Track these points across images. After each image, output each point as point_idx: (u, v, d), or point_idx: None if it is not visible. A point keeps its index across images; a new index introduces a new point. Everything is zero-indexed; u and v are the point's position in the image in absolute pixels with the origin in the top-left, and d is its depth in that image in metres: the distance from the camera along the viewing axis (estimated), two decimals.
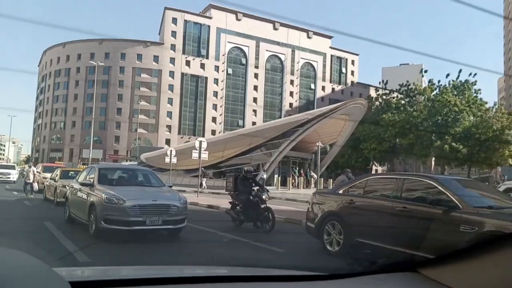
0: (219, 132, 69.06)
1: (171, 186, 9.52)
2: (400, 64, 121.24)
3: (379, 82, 57.59)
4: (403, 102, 39.01)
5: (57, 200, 13.68)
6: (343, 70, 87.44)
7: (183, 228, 8.17)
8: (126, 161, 46.35)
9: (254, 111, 76.21)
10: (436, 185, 5.97)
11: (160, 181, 9.62)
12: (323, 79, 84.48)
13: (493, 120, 30.49)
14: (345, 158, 35.79)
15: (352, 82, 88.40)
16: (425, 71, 51.75)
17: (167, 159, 19.90)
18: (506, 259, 0.83)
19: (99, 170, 9.17)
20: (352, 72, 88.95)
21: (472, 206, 5.60)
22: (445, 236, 5.41)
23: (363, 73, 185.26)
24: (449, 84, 36.18)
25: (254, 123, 69.08)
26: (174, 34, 70.91)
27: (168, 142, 65.18)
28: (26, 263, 0.89)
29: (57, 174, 15.50)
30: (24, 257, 0.92)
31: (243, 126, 67.56)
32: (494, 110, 34.20)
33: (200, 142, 16.85)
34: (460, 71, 36.62)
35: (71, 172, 14.78)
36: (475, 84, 34.81)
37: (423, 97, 35.90)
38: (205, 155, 16.17)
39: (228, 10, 74.09)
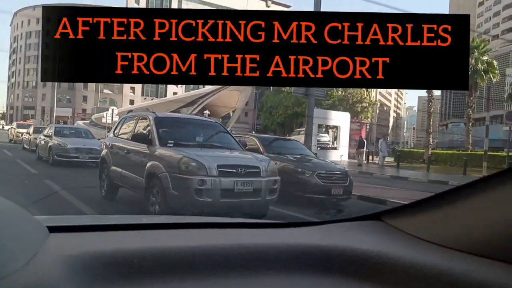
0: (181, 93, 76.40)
1: (99, 139, 16.00)
2: None
3: None
4: None
5: (31, 148, 18.60)
6: None
7: None
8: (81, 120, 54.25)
9: None
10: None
11: (92, 136, 15.98)
12: None
13: (352, 95, 40.70)
14: (265, 122, 45.35)
15: None
16: None
17: (103, 119, 27.93)
18: (466, 210, 0.88)
19: (54, 128, 15.89)
20: None
21: (268, 153, 8.38)
22: None
23: None
24: None
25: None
26: (137, 1, 76.28)
27: (132, 102, 72.08)
28: (2, 207, 0.92)
29: (30, 131, 21.30)
30: (1, 201, 0.94)
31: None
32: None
33: (112, 109, 25.03)
34: None
35: (40, 129, 20.12)
36: None
37: None
38: (116, 119, 24.03)
39: None
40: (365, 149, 21.45)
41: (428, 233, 0.93)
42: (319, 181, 8.01)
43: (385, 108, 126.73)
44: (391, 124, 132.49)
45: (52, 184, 9.04)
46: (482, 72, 27.41)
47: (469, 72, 27.60)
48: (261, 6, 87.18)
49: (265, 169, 5.94)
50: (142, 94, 76.39)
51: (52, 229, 0.98)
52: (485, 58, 28.24)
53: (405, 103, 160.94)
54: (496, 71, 28.16)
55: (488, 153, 19.51)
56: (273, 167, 6.21)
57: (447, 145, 48.03)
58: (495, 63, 28.92)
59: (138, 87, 77.06)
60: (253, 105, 73.70)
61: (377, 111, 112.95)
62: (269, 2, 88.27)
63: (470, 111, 29.01)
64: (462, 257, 0.83)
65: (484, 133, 43.12)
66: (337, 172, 8.56)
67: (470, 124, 29.44)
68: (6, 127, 37.21)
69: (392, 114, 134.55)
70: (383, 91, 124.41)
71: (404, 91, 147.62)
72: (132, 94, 76.17)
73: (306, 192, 7.88)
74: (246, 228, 1.31)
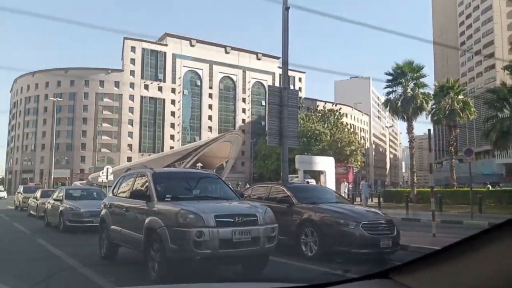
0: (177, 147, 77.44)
1: None
2: (351, 78, 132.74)
3: None
4: None
5: (39, 214, 17.12)
6: (291, 87, 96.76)
7: None
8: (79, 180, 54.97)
9: (210, 127, 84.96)
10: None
11: (105, 196, 12.52)
12: None
13: (340, 140, 41.97)
14: (260, 170, 46.59)
15: (300, 97, 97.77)
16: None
17: (99, 179, 28.57)
18: (472, 262, 0.87)
19: (65, 190, 14.66)
20: (300, 89, 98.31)
21: (301, 203, 8.20)
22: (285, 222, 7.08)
23: (316, 87, 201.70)
24: (319, 112, 46.99)
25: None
26: (133, 61, 79.41)
27: (129, 159, 73.08)
28: None
29: (37, 195, 19.38)
30: None
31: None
32: (346, 131, 45.61)
33: (107, 168, 25.78)
34: (325, 102, 46.12)
35: (49, 192, 18.72)
36: (338, 111, 45.50)
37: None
38: (111, 177, 24.84)
39: (182, 37, 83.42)
40: (346, 191, 22.31)
41: None
42: (365, 233, 7.19)
43: (380, 149, 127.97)
44: (388, 165, 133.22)
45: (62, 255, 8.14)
46: (459, 111, 28.67)
47: (447, 111, 28.88)
48: (253, 59, 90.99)
49: (263, 217, 5.91)
50: (140, 151, 77.66)
51: None
52: (460, 97, 29.60)
53: (400, 143, 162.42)
54: (472, 109, 29.44)
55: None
56: (270, 214, 6.12)
57: (444, 182, 48.41)
58: (470, 101, 30.27)
59: (135, 144, 78.56)
60: (249, 155, 74.87)
61: (373, 153, 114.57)
62: (260, 55, 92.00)
63: (452, 149, 29.94)
64: None
65: (475, 169, 43.56)
66: (383, 222, 7.70)
67: (453, 160, 30.27)
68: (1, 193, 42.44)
69: (388, 155, 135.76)
70: (377, 133, 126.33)
71: (398, 131, 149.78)
72: (130, 151, 77.37)
73: (352, 247, 7.08)
74: None
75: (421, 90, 28.85)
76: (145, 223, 5.90)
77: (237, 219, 5.65)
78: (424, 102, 28.34)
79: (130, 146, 78.17)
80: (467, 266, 0.89)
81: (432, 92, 30.09)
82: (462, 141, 57.42)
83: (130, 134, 78.41)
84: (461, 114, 28.72)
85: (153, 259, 5.64)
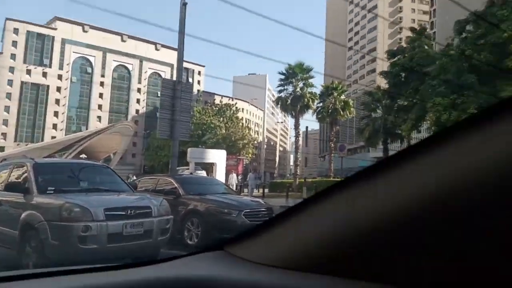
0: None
1: None
2: (249, 74, 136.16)
3: None
4: None
5: None
6: (190, 80, 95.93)
7: None
8: None
9: (99, 117, 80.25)
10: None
11: None
12: None
13: (234, 134, 44.33)
14: (151, 163, 45.78)
15: (198, 90, 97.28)
16: None
17: None
18: (292, 229, 0.91)
19: None
20: (199, 82, 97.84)
21: (188, 194, 8.41)
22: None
23: (217, 82, 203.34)
24: (215, 106, 48.76)
25: None
26: (15, 43, 71.51)
27: (2, 149, 65.84)
28: None
29: None
30: None
31: None
32: (240, 126, 48.19)
33: None
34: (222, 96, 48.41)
35: None
36: (234, 106, 47.81)
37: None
38: None
39: (74, 22, 77.17)
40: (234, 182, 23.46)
41: (264, 257, 0.95)
42: (246, 220, 7.56)
43: (272, 143, 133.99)
44: (277, 158, 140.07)
45: None
46: (340, 110, 31.66)
47: (330, 110, 31.67)
48: (151, 49, 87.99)
49: (157, 209, 5.80)
50: (15, 140, 70.30)
51: None
52: (342, 97, 32.67)
53: (290, 137, 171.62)
54: (351, 108, 32.73)
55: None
56: (165, 206, 6.06)
57: (325, 173, 52.75)
58: (351, 102, 33.61)
59: (10, 132, 70.97)
60: (141, 147, 72.53)
61: (265, 146, 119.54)
62: (159, 46, 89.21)
63: (332, 144, 32.98)
64: (287, 274, 0.86)
65: (353, 162, 48.10)
66: (263, 209, 8.34)
67: (333, 155, 33.37)
68: None
69: (278, 148, 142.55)
70: (270, 127, 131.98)
71: (289, 127, 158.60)
72: (3, 141, 69.66)
73: (233, 233, 7.32)
74: (76, 274, 1.19)
75: (309, 90, 31.08)
76: (21, 218, 5.39)
77: (129, 211, 5.47)
78: (310, 101, 30.62)
79: (4, 134, 70.37)
80: (289, 232, 0.93)
81: (319, 92, 32.70)
82: (343, 137, 63.03)
83: (5, 122, 70.57)
84: (341, 113, 31.72)
85: (30, 257, 5.19)
